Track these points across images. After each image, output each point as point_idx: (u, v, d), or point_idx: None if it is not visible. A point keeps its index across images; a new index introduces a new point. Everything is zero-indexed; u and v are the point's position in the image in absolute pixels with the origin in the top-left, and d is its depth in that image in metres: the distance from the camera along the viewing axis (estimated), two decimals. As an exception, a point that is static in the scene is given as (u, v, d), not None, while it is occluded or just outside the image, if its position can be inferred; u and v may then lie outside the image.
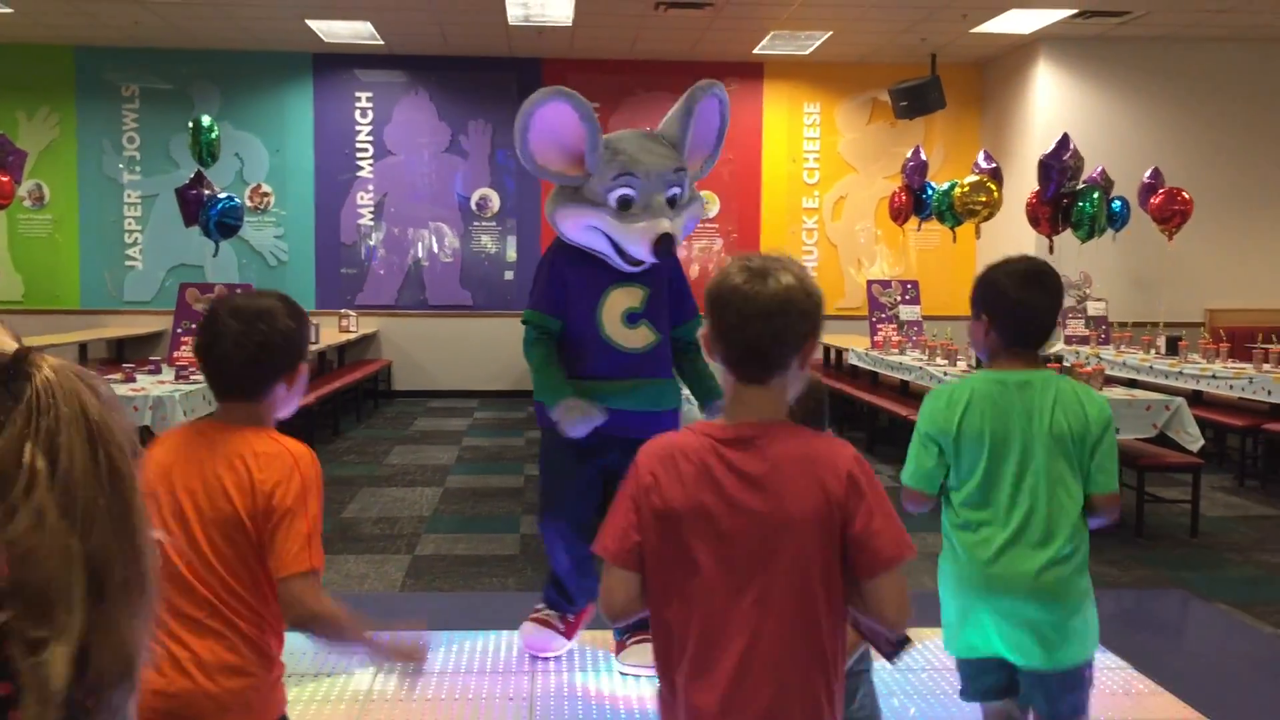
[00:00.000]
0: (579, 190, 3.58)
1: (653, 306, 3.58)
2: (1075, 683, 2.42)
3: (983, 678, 2.47)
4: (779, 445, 1.65)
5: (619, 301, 3.55)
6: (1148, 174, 9.20)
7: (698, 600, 1.63)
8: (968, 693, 2.53)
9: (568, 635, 3.77)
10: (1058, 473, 2.36)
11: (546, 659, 3.73)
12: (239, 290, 2.05)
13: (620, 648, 3.69)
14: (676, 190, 3.56)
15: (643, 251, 3.48)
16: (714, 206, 11.32)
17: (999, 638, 2.38)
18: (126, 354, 9.81)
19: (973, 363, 6.88)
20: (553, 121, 3.55)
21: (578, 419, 3.44)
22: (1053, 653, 2.38)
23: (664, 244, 3.45)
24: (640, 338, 3.56)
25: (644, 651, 3.45)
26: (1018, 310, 2.38)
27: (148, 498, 1.76)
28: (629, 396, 3.54)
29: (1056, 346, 7.63)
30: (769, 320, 1.62)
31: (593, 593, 3.72)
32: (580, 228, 3.56)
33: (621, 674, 3.63)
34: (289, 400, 1.98)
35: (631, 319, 3.56)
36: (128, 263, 11.02)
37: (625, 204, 3.50)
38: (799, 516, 1.61)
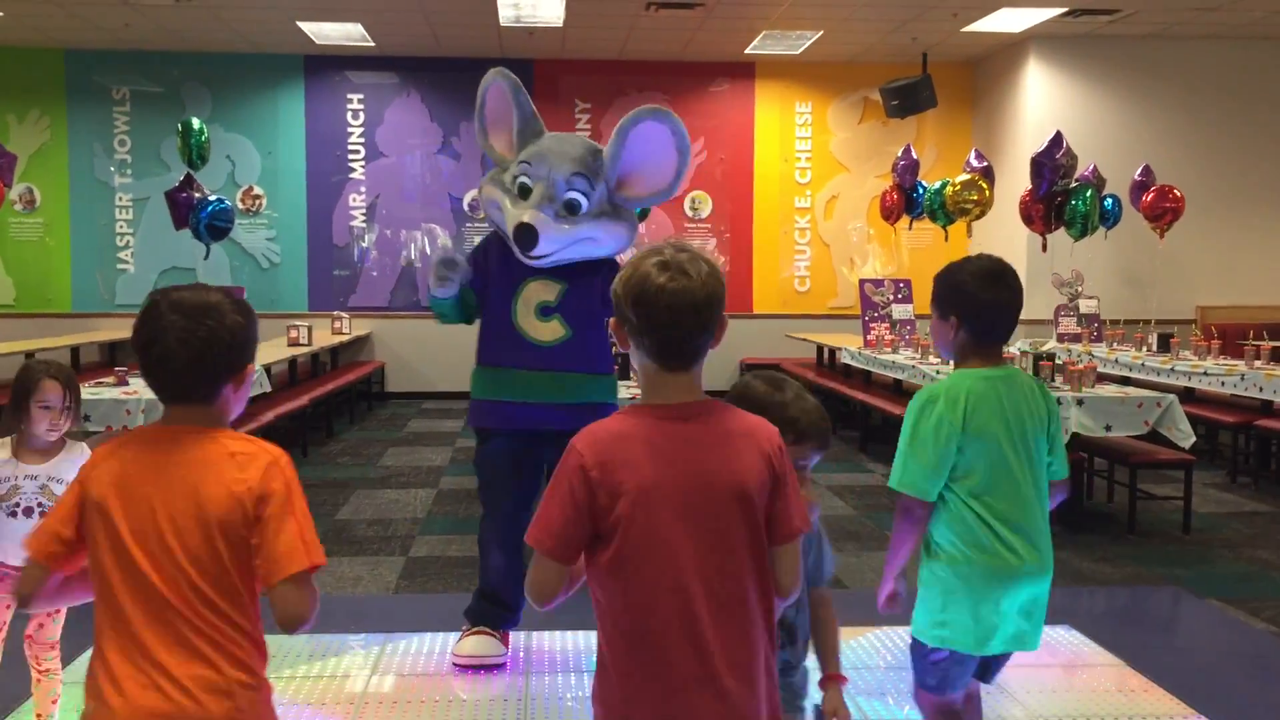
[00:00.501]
0: (502, 172, 3.68)
1: (570, 302, 3.55)
2: None
3: (967, 669, 2.47)
4: (723, 419, 1.73)
5: (535, 293, 3.57)
6: (1139, 172, 9.23)
7: (666, 574, 1.65)
8: (955, 685, 2.48)
9: (504, 644, 3.71)
10: (1042, 459, 2.46)
11: (494, 668, 3.64)
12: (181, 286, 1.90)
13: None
14: (576, 196, 3.52)
15: (509, 238, 3.52)
16: (706, 207, 11.33)
17: (1007, 629, 2.40)
18: (119, 357, 9.78)
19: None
20: (497, 102, 3.69)
21: (437, 265, 3.56)
22: (1038, 632, 2.46)
23: (520, 234, 3.45)
24: (550, 331, 3.56)
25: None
26: (987, 309, 2.43)
27: (95, 511, 1.69)
28: (548, 388, 3.54)
29: (1048, 344, 7.63)
30: (698, 313, 1.69)
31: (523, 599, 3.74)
32: (491, 206, 3.67)
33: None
34: (236, 404, 1.84)
35: (544, 312, 3.56)
36: (119, 266, 10.99)
37: (524, 192, 3.54)
38: (750, 483, 1.69)
